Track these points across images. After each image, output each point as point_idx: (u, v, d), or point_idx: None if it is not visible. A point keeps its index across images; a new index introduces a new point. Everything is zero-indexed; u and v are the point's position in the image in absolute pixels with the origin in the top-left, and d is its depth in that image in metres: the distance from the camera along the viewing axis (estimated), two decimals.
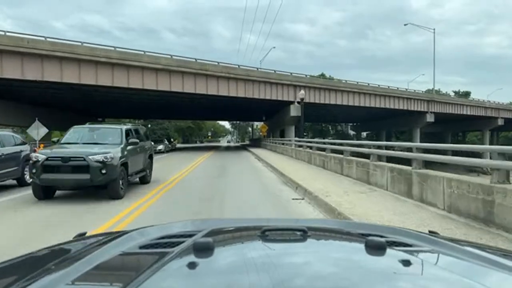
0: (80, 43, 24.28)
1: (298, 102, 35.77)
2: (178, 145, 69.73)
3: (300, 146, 20.16)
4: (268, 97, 33.89)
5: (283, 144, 30.29)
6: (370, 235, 1.13)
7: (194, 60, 29.32)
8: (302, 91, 26.90)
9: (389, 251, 1.00)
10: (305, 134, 69.62)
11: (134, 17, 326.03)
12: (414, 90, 48.85)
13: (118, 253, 1.03)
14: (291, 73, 35.25)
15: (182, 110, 45.80)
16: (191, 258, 0.93)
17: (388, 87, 45.10)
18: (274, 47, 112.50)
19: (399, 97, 46.40)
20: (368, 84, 42.66)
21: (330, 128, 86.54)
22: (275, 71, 34.22)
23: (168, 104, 38.78)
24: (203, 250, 0.96)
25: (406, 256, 1.00)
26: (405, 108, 47.62)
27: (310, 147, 17.45)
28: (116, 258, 1.01)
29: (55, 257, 1.08)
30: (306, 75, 36.51)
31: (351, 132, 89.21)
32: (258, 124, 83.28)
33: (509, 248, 3.44)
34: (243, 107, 41.21)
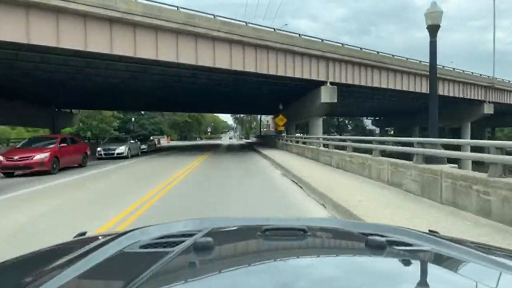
0: None
1: (332, 83, 24.76)
2: (172, 143, 58.42)
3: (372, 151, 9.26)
4: (290, 74, 22.76)
5: (303, 143, 19.82)
6: (370, 234, 1.11)
7: (175, 8, 18.13)
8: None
9: (389, 250, 0.99)
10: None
11: None
12: (472, 73, 37.57)
13: (118, 252, 1.02)
14: (322, 40, 24.06)
15: (168, 99, 34.56)
16: (192, 257, 0.93)
17: (443, 67, 33.84)
18: (286, 25, 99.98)
19: (454, 81, 35.35)
20: (420, 61, 31.43)
21: (347, 123, 75.20)
22: (300, 35, 23.03)
23: (142, 88, 27.70)
24: (204, 249, 0.95)
25: (407, 256, 0.99)
26: (460, 95, 36.58)
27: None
28: (116, 258, 0.99)
29: (55, 256, 1.06)
30: (342, 44, 25.33)
31: (370, 128, 78.19)
32: (263, 118, 72.09)
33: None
34: (250, 92, 30.10)
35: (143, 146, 25.46)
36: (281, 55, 22.25)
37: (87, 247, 1.08)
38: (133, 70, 21.49)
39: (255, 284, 0.80)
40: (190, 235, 1.14)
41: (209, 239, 0.98)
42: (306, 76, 23.49)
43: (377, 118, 69.21)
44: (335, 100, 24.40)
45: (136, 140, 23.72)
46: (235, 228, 1.39)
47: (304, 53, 22.97)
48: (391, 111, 56.90)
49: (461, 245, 1.06)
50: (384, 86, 28.41)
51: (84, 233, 1.40)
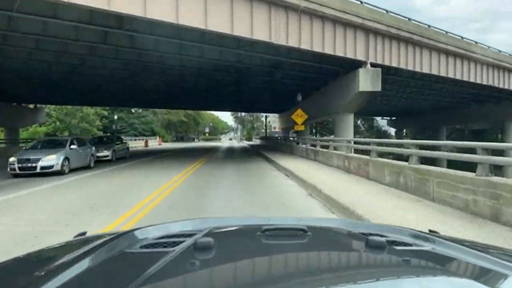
0: None
1: (372, 64, 17.72)
2: (163, 145, 51.22)
3: None
4: (317, 49, 15.73)
5: (362, 151, 12.71)
6: (370, 234, 1.10)
7: None
8: None
9: (389, 250, 0.99)
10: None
11: None
12: None
13: (119, 252, 1.02)
14: (361, 2, 16.96)
15: (148, 90, 27.48)
16: (192, 257, 0.92)
17: (499, 51, 26.85)
18: None
19: (510, 71, 28.28)
20: (476, 43, 24.40)
21: (359, 123, 67.99)
22: None
23: (110, 72, 20.68)
24: (204, 249, 0.95)
25: (407, 256, 0.97)
26: None
27: None
28: (117, 258, 0.99)
29: (55, 256, 1.06)
30: (386, 11, 18.27)
31: (385, 129, 71.20)
32: (268, 118, 65.01)
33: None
34: (257, 79, 23.05)
35: (104, 153, 17.17)
36: (306, 20, 15.21)
37: (87, 247, 1.06)
38: (88, 39, 14.42)
39: (255, 284, 0.79)
40: (190, 235, 1.14)
41: (210, 239, 0.98)
42: (339, 53, 16.45)
43: (393, 118, 62.13)
44: (379, 88, 17.40)
45: (88, 144, 15.18)
46: (235, 228, 1.36)
47: (336, 19, 15.94)
48: (411, 109, 49.87)
49: (460, 245, 1.06)
50: (434, 72, 21.36)
51: (84, 233, 1.35)
